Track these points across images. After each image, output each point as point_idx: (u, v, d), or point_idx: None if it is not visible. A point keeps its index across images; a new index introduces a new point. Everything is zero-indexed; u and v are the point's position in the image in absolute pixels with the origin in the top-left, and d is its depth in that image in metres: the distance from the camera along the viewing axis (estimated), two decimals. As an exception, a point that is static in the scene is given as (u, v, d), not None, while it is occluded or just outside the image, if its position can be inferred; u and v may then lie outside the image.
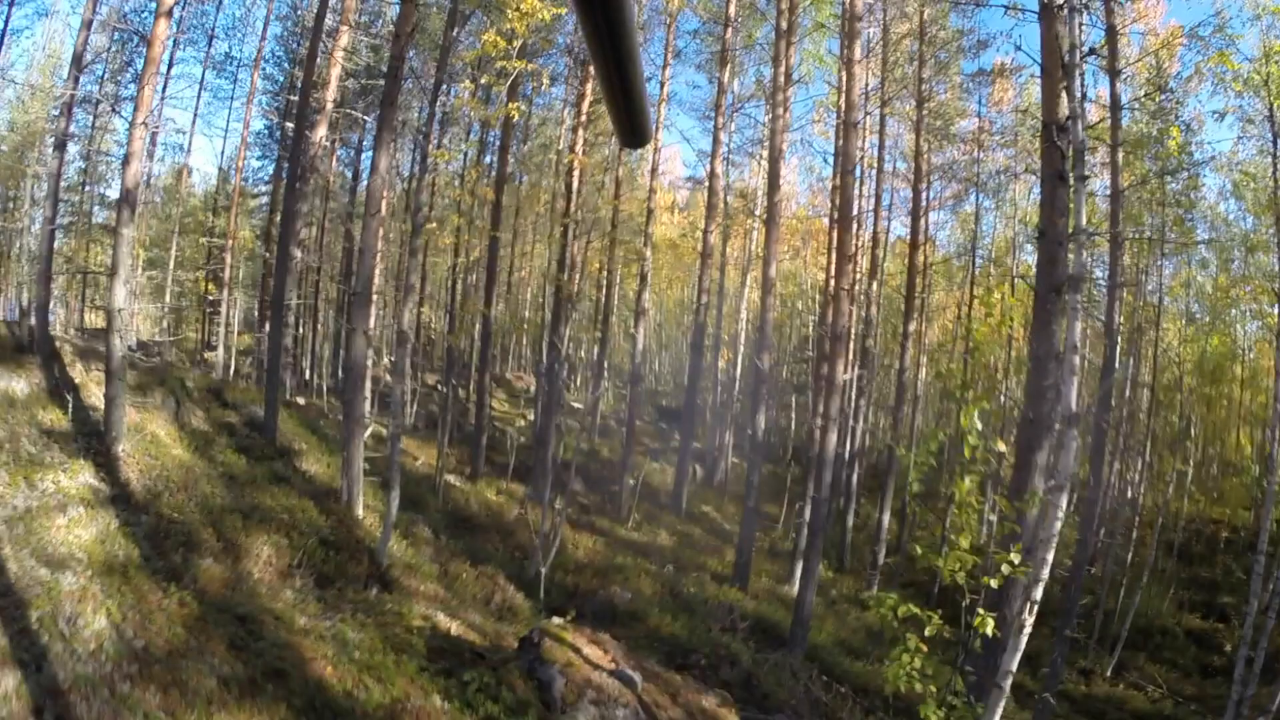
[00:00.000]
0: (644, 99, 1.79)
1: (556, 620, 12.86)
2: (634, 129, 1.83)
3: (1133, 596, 26.24)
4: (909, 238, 31.03)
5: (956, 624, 8.78)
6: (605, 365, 39.74)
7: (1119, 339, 24.95)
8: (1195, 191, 28.00)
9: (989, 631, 8.17)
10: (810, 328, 40.88)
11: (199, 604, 11.33)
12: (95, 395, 16.50)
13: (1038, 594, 8.11)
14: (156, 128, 25.67)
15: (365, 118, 32.13)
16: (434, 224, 30.43)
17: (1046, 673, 20.38)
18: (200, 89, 34.30)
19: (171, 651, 9.82)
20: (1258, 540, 22.05)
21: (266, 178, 39.36)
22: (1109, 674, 24.50)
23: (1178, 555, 32.28)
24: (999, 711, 8.27)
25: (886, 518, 29.18)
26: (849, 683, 16.82)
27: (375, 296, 25.92)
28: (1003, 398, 25.73)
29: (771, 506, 34.27)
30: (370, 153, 33.29)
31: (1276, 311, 23.92)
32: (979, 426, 8.75)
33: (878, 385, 39.58)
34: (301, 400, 28.84)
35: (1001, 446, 10.19)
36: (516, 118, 25.31)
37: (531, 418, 32.89)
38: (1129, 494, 32.20)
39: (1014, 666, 8.29)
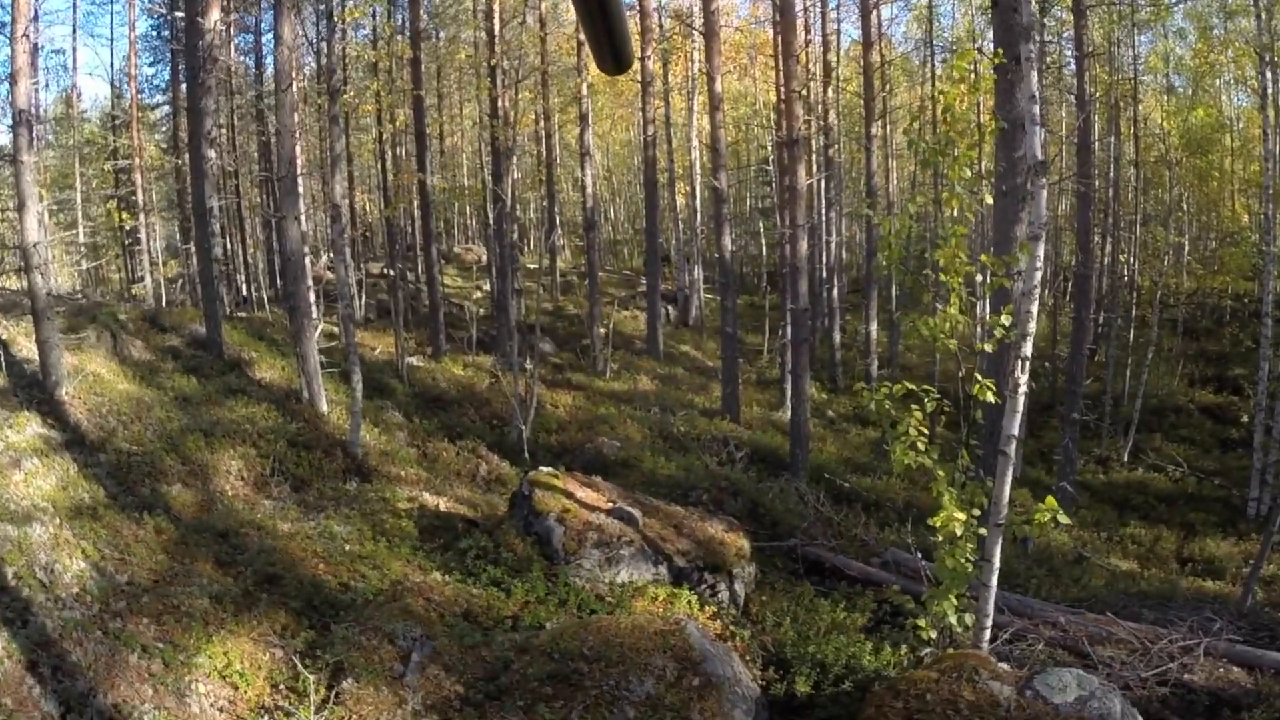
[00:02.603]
0: (625, 22, 1.79)
1: (545, 470, 13.12)
2: (615, 54, 1.84)
3: (1140, 378, 26.66)
4: (861, 38, 30.57)
5: (956, 429, 9.08)
6: (557, 218, 39.59)
7: (1093, 111, 24.84)
8: (1164, -46, 27.51)
9: (989, 398, 8.47)
10: (769, 147, 40.56)
11: (176, 529, 11.53)
12: (26, 348, 16.39)
13: (1027, 349, 8.38)
14: (38, 39, 24.84)
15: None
16: (352, 94, 29.93)
17: (1060, 461, 20.85)
18: (74, -1, 33.44)
19: (158, 580, 10.02)
20: (1262, 307, 22.45)
21: (164, 84, 38.21)
22: (1126, 459, 25.09)
23: (1182, 331, 32.72)
24: (1008, 479, 8.62)
25: (874, 329, 29.45)
26: (859, 499, 17.22)
27: (301, 181, 25.64)
28: (980, 166, 25.66)
29: (753, 337, 34.60)
30: (272, 30, 32.63)
31: (1260, 76, 23.76)
32: (967, 175, 8.90)
33: (848, 198, 39.55)
34: (243, 314, 28.70)
35: (988, 198, 10.34)
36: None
37: (487, 288, 32.86)
38: (1124, 275, 32.48)
39: (1015, 430, 8.61)
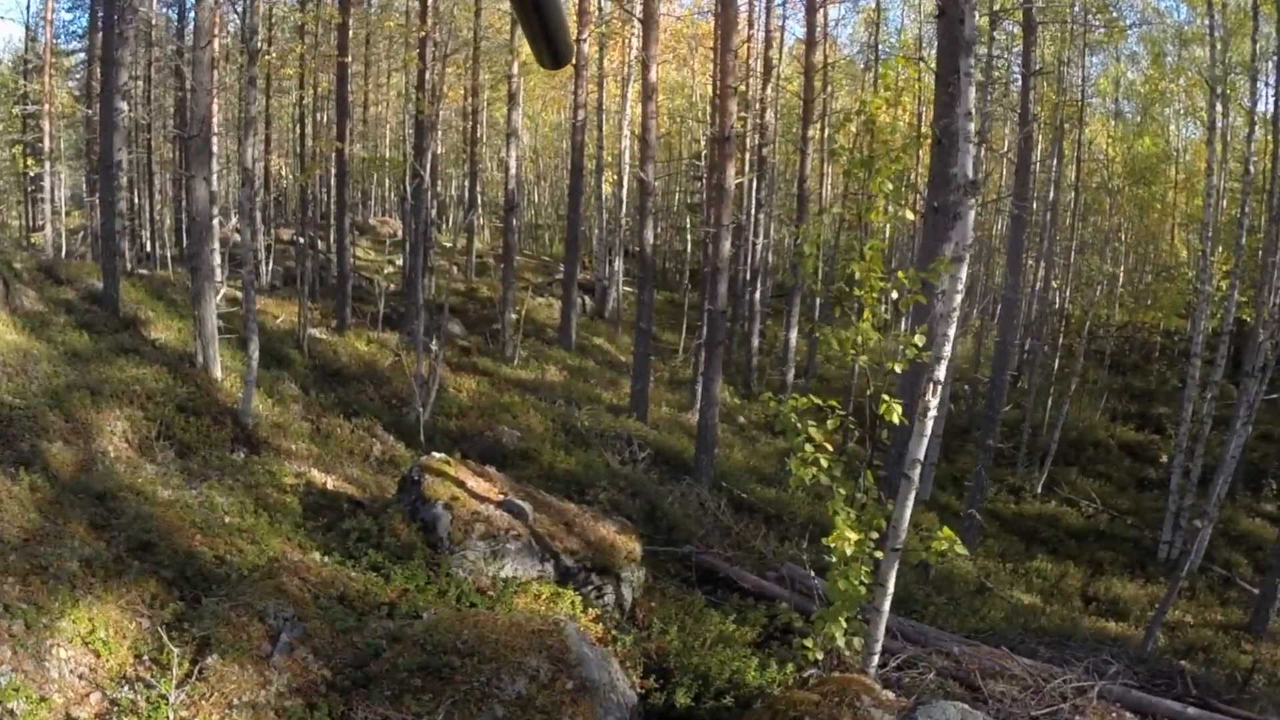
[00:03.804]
0: (562, 15, 1.80)
1: (438, 455, 13.11)
2: (553, 49, 1.84)
3: (1061, 409, 26.93)
4: (805, 37, 30.71)
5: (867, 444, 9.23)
6: (479, 198, 39.43)
7: (1036, 130, 25.17)
8: (1122, -24, 27.87)
9: (896, 419, 8.59)
10: (702, 142, 40.75)
11: (53, 488, 11.37)
12: (-91, 292, 16.14)
13: (940, 373, 8.47)
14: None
15: (185, -63, 30.86)
16: (275, 56, 29.56)
17: (971, 488, 21.13)
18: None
19: (28, 539, 9.87)
20: (1191, 346, 22.83)
21: (81, 31, 37.84)
22: (1039, 490, 25.35)
23: (1109, 364, 33.22)
24: (909, 503, 8.71)
25: (794, 336, 29.71)
26: (760, 510, 17.35)
27: (216, 144, 25.31)
28: (906, 179, 25.88)
29: (670, 335, 34.72)
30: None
31: (1210, 109, 24.25)
32: (889, 188, 9.01)
33: (780, 199, 39.76)
34: (145, 272, 28.26)
35: (910, 215, 10.48)
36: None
37: (400, 263, 32.65)
38: (1054, 302, 32.85)
39: (920, 454, 8.68)
